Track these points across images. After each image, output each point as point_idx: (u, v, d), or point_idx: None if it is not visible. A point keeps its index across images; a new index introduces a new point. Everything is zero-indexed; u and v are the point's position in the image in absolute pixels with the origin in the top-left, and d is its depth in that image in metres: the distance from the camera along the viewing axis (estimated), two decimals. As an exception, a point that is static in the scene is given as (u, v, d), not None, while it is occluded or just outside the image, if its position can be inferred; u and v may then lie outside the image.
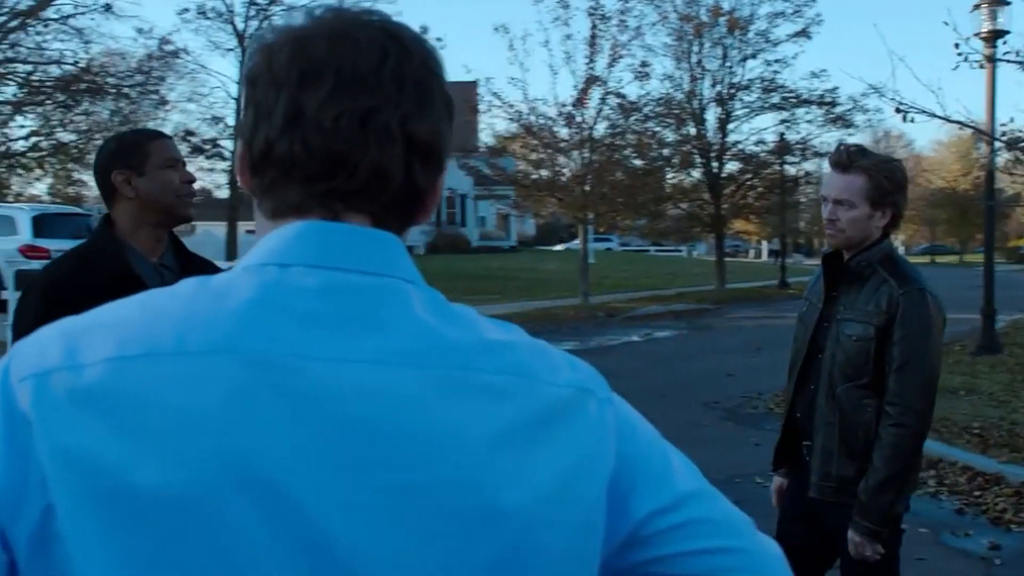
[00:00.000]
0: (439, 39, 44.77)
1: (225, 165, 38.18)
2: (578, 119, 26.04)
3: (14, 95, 34.13)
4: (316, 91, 1.06)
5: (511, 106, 26.09)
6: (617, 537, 1.11)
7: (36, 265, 19.18)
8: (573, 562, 1.06)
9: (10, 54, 34.41)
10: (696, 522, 1.14)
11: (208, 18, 36.18)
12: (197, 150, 36.94)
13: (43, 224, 20.25)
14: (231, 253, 35.02)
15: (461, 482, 0.99)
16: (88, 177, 53.96)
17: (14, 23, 34.85)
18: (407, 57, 1.09)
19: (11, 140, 30.29)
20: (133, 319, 1.03)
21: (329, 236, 1.07)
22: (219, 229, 39.27)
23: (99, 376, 0.97)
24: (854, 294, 3.50)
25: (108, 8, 47.51)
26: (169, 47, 36.51)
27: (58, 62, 34.12)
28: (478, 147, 33.87)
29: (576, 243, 39.14)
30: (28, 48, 35.16)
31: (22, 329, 2.86)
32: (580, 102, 25.76)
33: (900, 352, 3.35)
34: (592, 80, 25.63)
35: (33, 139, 31.78)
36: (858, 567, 3.47)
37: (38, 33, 35.40)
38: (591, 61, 25.82)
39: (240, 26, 36.61)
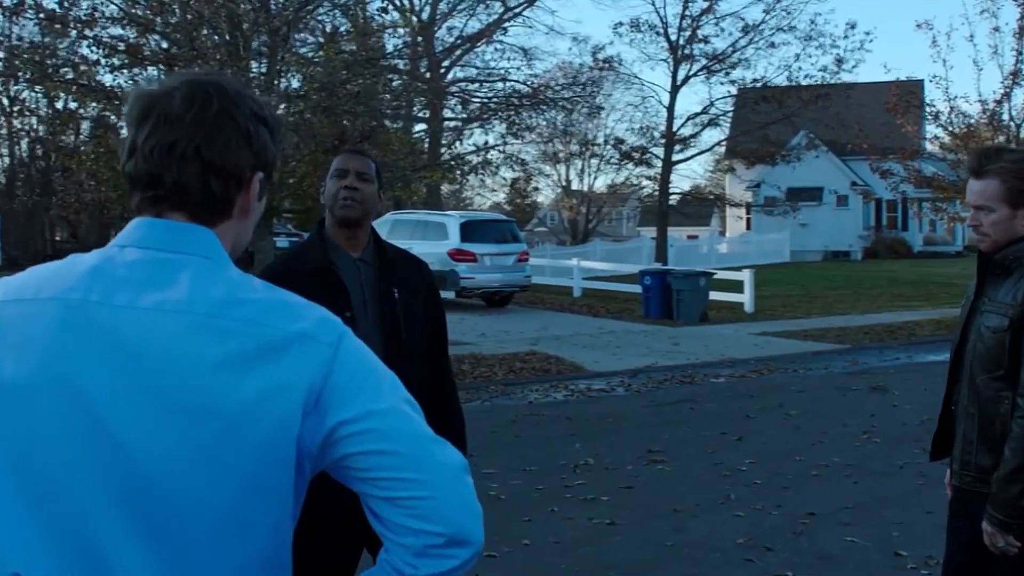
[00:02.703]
0: (867, 33, 43.39)
1: (652, 172, 39.21)
2: (1004, 117, 24.30)
3: (466, 112, 37.04)
4: (142, 131, 1.59)
5: (932, 106, 24.84)
6: (317, 439, 1.53)
7: (462, 267, 20.94)
8: (271, 450, 1.50)
9: (460, 75, 37.60)
10: (371, 431, 1.53)
11: (641, 31, 37.29)
12: (627, 157, 38.26)
13: (470, 229, 22.00)
14: (659, 256, 35.92)
15: (191, 388, 1.47)
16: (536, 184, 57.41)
17: (465, 46, 38.04)
18: (207, 104, 1.59)
19: (467, 153, 32.88)
20: (24, 278, 1.62)
21: (149, 227, 1.60)
22: (652, 233, 40.41)
23: None
24: (997, 287, 3.49)
25: (551, 29, 50.30)
26: (602, 57, 37.99)
27: (503, 79, 36.78)
28: (918, 150, 32.30)
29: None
30: (477, 68, 38.27)
31: None
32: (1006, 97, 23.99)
33: None
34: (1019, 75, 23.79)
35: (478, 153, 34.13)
36: (998, 561, 3.44)
37: (489, 54, 38.62)
38: (1021, 54, 24.00)
39: (673, 37, 37.43)
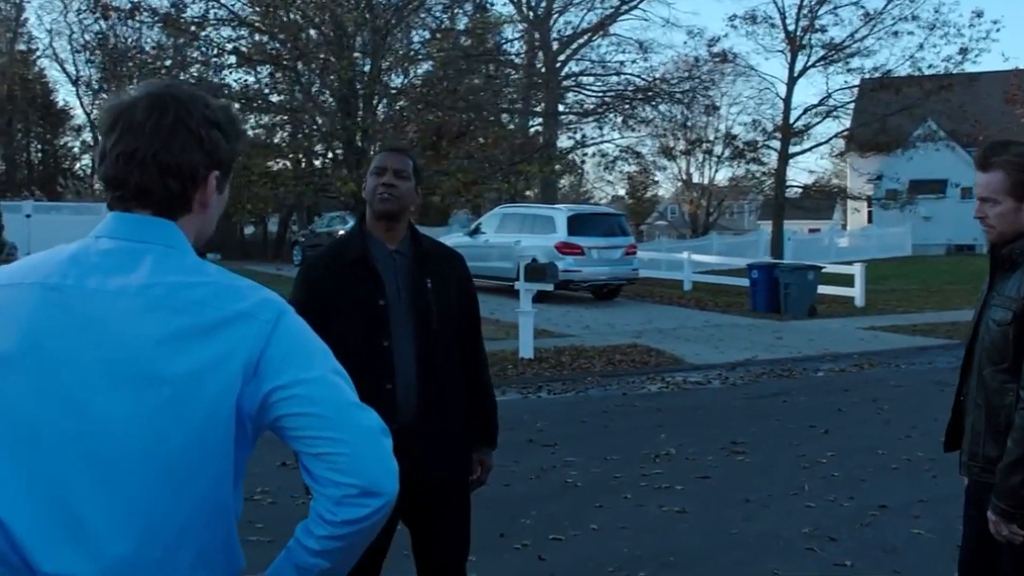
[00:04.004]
0: (995, 22, 42.04)
1: (763, 169, 38.77)
2: None
3: (580, 104, 37.13)
4: (110, 139, 1.86)
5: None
6: (255, 402, 1.79)
7: (569, 261, 21.07)
8: (214, 412, 1.76)
9: (575, 68, 37.71)
10: (299, 396, 1.78)
11: (756, 23, 36.90)
12: (739, 155, 37.93)
13: (577, 223, 22.12)
14: (774, 250, 35.54)
15: (145, 359, 1.75)
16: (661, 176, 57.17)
17: (581, 40, 38.13)
18: (164, 114, 1.84)
19: (571, 149, 33.04)
20: (19, 265, 1.90)
21: (119, 220, 1.87)
22: (770, 227, 39.96)
23: None
24: (1004, 281, 3.54)
25: (667, 21, 49.96)
26: (717, 51, 37.70)
27: (618, 72, 36.76)
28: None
29: None
30: (591, 61, 38.32)
31: (292, 299, 3.77)
32: None
33: None
34: None
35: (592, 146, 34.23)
36: (1004, 549, 3.50)
37: (605, 47, 38.62)
38: None
39: (790, 28, 36.95)
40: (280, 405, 1.79)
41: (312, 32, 14.99)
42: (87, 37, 25.15)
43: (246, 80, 16.25)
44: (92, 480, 1.75)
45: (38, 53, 49.78)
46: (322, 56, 14.15)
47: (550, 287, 16.45)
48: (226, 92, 15.36)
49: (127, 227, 1.86)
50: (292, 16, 14.48)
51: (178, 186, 1.86)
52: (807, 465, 8.54)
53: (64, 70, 45.35)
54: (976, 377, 3.59)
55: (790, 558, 6.20)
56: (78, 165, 49.75)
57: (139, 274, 1.80)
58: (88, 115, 42.52)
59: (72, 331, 1.77)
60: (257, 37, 15.10)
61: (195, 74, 15.68)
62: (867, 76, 38.55)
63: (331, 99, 16.00)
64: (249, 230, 45.47)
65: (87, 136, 45.17)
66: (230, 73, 15.39)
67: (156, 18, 14.83)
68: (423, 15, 17.38)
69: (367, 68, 15.00)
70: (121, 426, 1.74)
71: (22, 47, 49.24)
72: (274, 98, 16.25)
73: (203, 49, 15.30)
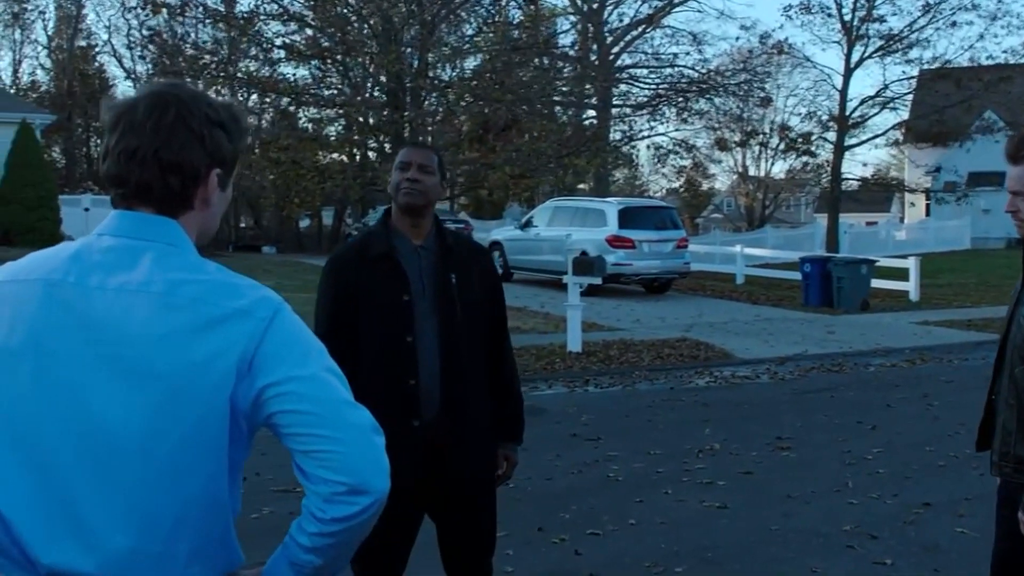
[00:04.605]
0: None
1: (819, 160, 38.36)
2: None
3: (634, 97, 36.99)
4: (112, 137, 1.89)
5: None
6: (249, 399, 1.81)
7: (620, 254, 20.99)
8: (209, 408, 1.79)
9: (628, 60, 37.56)
10: (291, 393, 1.80)
11: (812, 13, 36.50)
12: (791, 148, 37.55)
13: (628, 216, 22.04)
14: (829, 243, 35.18)
15: (142, 356, 1.78)
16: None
17: (635, 32, 37.97)
18: (165, 112, 1.87)
19: (622, 142, 32.91)
20: (24, 262, 1.94)
21: (122, 218, 1.90)
22: (826, 221, 39.54)
23: None
24: None
25: (722, 13, 49.53)
26: (771, 43, 37.34)
27: (671, 65, 36.58)
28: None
29: None
30: (645, 54, 38.14)
31: (319, 294, 3.82)
32: None
33: None
34: None
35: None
36: None
37: (659, 39, 38.48)
38: None
39: (847, 17, 36.52)
40: (273, 402, 1.81)
41: (360, 26, 15.07)
42: (143, 33, 25.47)
43: (295, 74, 16.40)
44: (91, 474, 1.78)
45: (97, 49, 50.55)
46: (369, 50, 14.21)
47: (598, 281, 16.39)
48: (280, 86, 15.49)
49: (129, 225, 1.89)
50: (340, 10, 14.56)
51: (179, 183, 1.88)
52: (852, 461, 8.46)
53: (122, 66, 46.06)
54: (1008, 375, 3.52)
55: (829, 555, 6.15)
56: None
57: (139, 271, 1.83)
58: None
59: (73, 328, 1.81)
60: (308, 31, 15.22)
61: (244, 69, 15.83)
62: (925, 67, 38.01)
63: (379, 93, 16.07)
64: (304, 223, 45.85)
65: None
66: (281, 67, 15.52)
67: (206, 13, 14.99)
68: (472, 8, 17.40)
69: (415, 62, 15.06)
70: (119, 421, 1.77)
71: (82, 43, 50.04)
72: (323, 92, 16.34)
73: (257, 44, 15.42)
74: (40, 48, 51.91)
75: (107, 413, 1.78)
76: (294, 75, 15.52)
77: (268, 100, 16.17)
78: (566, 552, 6.20)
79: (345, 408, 1.84)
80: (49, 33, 51.34)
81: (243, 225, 46.01)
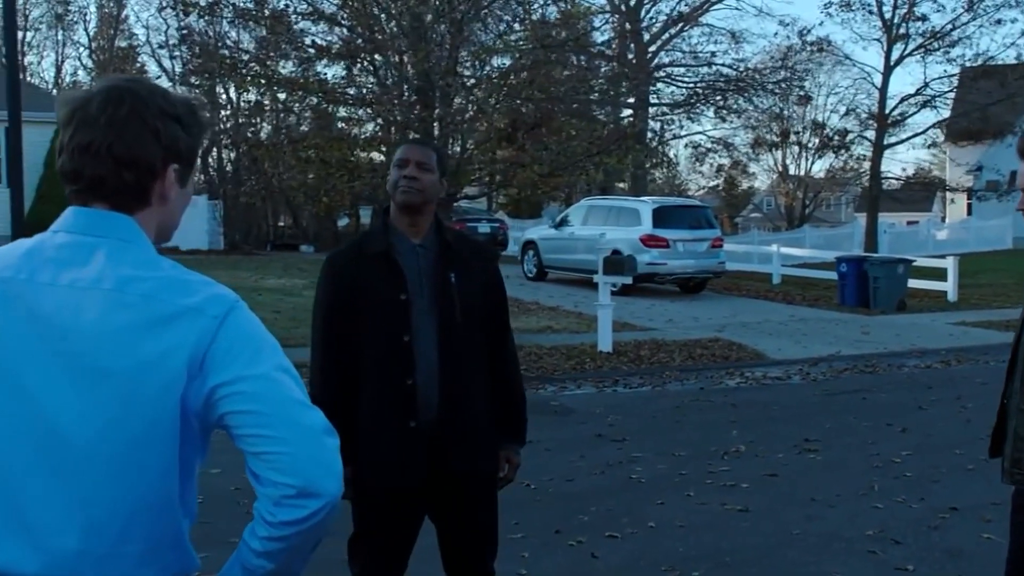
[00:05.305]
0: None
1: (852, 157, 37.96)
2: None
3: (673, 96, 36.81)
4: (66, 132, 1.86)
5: None
6: (200, 399, 1.78)
7: (654, 253, 20.86)
8: (159, 407, 1.76)
9: (665, 59, 37.35)
10: (241, 393, 1.76)
11: (852, 10, 36.10)
12: (825, 145, 37.18)
13: (662, 215, 21.89)
14: (868, 242, 34.82)
15: (92, 353, 1.75)
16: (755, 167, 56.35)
17: (672, 29, 37.77)
18: (119, 106, 1.83)
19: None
20: None
21: (76, 215, 1.87)
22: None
23: None
24: None
25: (760, 11, 49.05)
26: (811, 39, 36.99)
27: (709, 63, 36.35)
28: None
29: None
30: (682, 52, 37.92)
31: (317, 293, 3.79)
32: None
33: None
34: None
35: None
36: None
37: (696, 37, 38.24)
38: None
39: (887, 15, 36.10)
40: (223, 402, 1.77)
41: (389, 24, 15.07)
42: (178, 32, 25.67)
43: (324, 73, 16.43)
44: (39, 473, 1.76)
45: (138, 49, 51.00)
46: (398, 48, 14.22)
47: (628, 280, 16.30)
48: (309, 85, 15.51)
49: (83, 221, 1.86)
50: (368, 8, 14.56)
51: (133, 178, 1.85)
52: (880, 464, 8.33)
53: (161, 66, 46.38)
54: (1019, 380, 3.44)
55: (849, 561, 6.05)
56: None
57: (92, 268, 1.80)
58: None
59: (23, 325, 1.78)
60: (337, 30, 15.24)
61: (273, 68, 15.86)
62: (967, 65, 37.49)
63: (408, 91, 16.07)
64: (342, 222, 45.99)
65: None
66: (311, 67, 15.53)
67: (236, 13, 15.05)
68: (502, 6, 17.34)
69: (444, 60, 15.04)
70: (68, 419, 1.75)
71: (123, 43, 50.50)
72: (351, 91, 16.37)
73: (288, 43, 15.46)
74: (82, 49, 52.47)
75: (56, 411, 1.75)
76: (323, 74, 15.58)
77: (297, 99, 16.19)
78: (582, 555, 6.15)
79: (295, 408, 1.79)
80: (91, 34, 51.88)
81: (281, 224, 46.19)
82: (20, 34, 45.24)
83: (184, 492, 1.85)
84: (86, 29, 52.38)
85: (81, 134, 1.83)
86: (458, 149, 16.19)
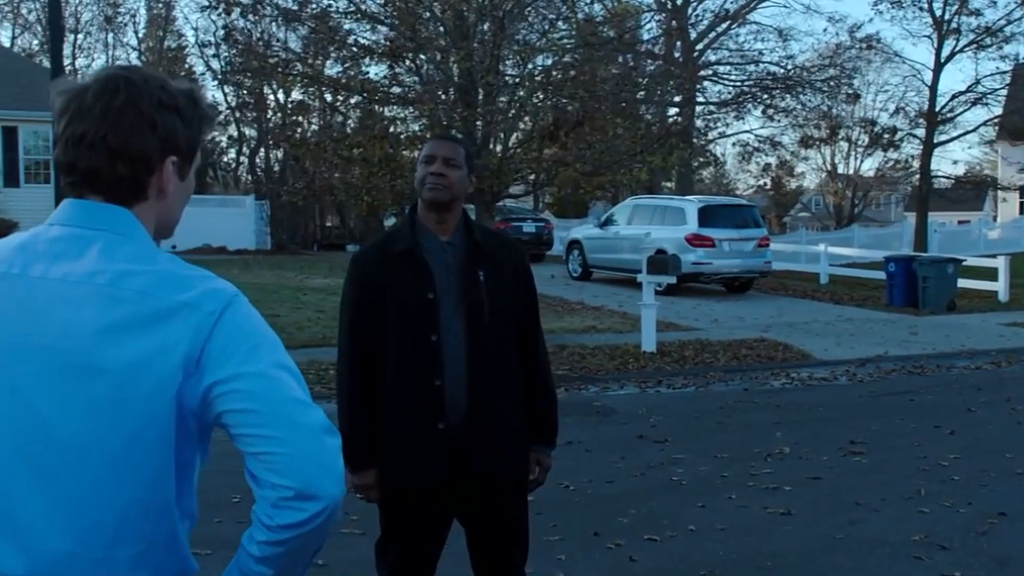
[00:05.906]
0: None
1: (900, 156, 37.43)
2: None
3: (720, 95, 36.52)
4: (61, 123, 1.81)
5: None
6: (197, 397, 1.72)
7: (699, 253, 20.69)
8: (152, 406, 1.71)
9: (712, 57, 37.07)
10: (238, 391, 1.71)
11: (902, 6, 35.64)
12: (874, 142, 36.69)
13: (708, 214, 21.72)
14: (918, 242, 34.37)
15: (83, 350, 1.70)
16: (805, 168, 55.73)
17: (720, 28, 37.49)
18: (114, 96, 1.79)
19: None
20: None
21: (71, 207, 1.83)
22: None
23: None
24: None
25: (808, 8, 48.64)
26: (861, 36, 36.55)
27: (756, 61, 36.05)
28: None
29: None
30: (729, 50, 37.64)
31: (343, 293, 3.75)
32: None
33: None
34: None
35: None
36: None
37: (743, 35, 37.94)
38: None
39: (938, 12, 35.61)
40: (220, 401, 1.72)
41: (432, 23, 15.06)
42: (223, 30, 25.84)
43: (366, 72, 16.44)
44: (28, 473, 1.71)
45: (187, 49, 51.46)
46: (441, 47, 14.19)
47: (673, 280, 16.16)
48: (352, 84, 15.53)
49: (77, 213, 1.81)
50: (411, 7, 14.55)
51: (128, 170, 1.80)
52: (927, 467, 8.17)
53: (209, 67, 46.74)
54: None
55: (894, 566, 5.92)
56: (225, 158, 51.17)
57: (85, 261, 1.75)
58: (232, 109, 43.70)
59: (15, 320, 1.74)
60: (380, 29, 15.25)
61: (317, 67, 15.89)
62: (1021, 62, 36.89)
63: (451, 90, 16.05)
64: (389, 221, 46.12)
65: (232, 130, 46.44)
66: (355, 66, 15.54)
67: (278, 12, 15.09)
68: (545, 4, 17.25)
69: (486, 59, 14.99)
70: (59, 418, 1.70)
71: (171, 44, 50.97)
72: (395, 90, 16.36)
73: (331, 42, 15.48)
74: (131, 50, 53.00)
75: (47, 409, 1.71)
76: (366, 73, 15.56)
77: (340, 99, 16.21)
78: (620, 558, 6.06)
79: (294, 407, 1.73)
80: (140, 35, 52.43)
81: (328, 224, 46.39)
82: (71, 36, 45.84)
83: (181, 493, 1.79)
84: (135, 31, 52.99)
85: (75, 124, 1.79)
86: (500, 148, 16.18)
